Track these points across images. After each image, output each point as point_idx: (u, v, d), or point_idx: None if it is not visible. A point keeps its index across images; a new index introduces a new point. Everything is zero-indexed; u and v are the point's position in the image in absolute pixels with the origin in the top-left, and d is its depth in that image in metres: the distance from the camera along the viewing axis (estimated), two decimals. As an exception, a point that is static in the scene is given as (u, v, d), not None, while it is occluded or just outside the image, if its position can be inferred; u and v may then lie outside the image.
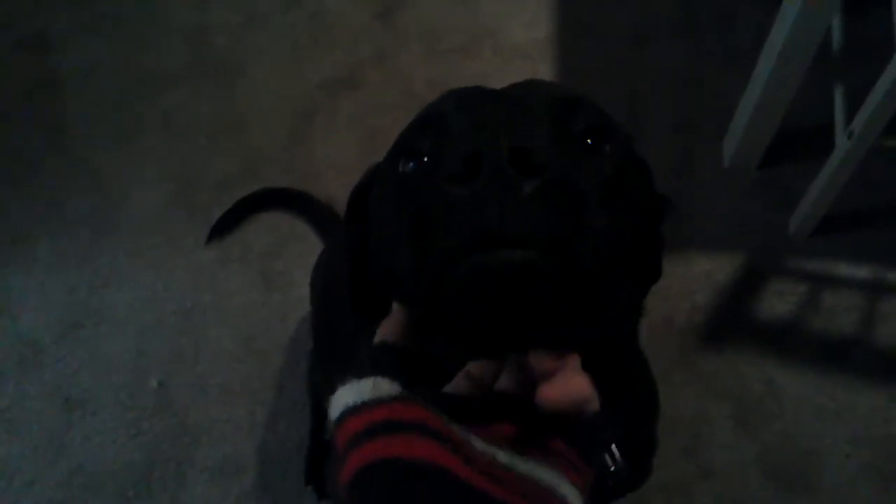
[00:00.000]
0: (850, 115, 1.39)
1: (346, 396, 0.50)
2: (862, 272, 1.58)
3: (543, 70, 1.84)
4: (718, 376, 1.48)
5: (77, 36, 2.01)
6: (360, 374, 0.51)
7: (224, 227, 1.53)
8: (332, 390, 0.51)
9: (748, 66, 1.53)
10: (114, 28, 2.00)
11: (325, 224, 1.51)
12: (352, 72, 1.88)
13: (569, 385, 0.51)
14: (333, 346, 1.10)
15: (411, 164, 0.55)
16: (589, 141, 0.54)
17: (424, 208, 0.49)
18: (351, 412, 0.49)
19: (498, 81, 1.80)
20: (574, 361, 0.51)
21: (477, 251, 0.46)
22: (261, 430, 1.47)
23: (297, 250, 1.61)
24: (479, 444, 0.48)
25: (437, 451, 0.46)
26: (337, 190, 1.67)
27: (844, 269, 1.58)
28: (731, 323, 1.54)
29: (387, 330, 0.56)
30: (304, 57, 1.91)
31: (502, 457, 0.49)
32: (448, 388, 0.54)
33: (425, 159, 0.55)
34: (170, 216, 1.71)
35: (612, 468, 0.68)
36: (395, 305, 0.57)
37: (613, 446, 0.69)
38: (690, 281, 1.57)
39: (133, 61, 1.95)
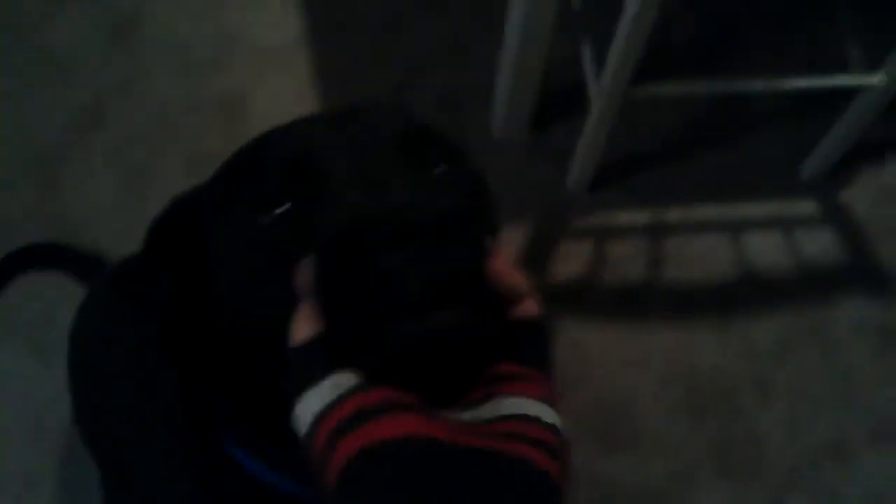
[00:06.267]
0: (599, 71, 1.47)
1: (310, 406, 0.51)
2: (641, 218, 1.69)
3: (301, 71, 1.84)
4: (527, 348, 1.54)
5: None
6: (311, 381, 0.52)
7: None
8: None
9: (502, 33, 1.58)
10: None
11: (93, 276, 1.43)
12: (97, 106, 1.80)
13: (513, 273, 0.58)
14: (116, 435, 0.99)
15: (275, 212, 0.57)
16: (440, 170, 0.61)
17: (348, 275, 0.51)
18: (321, 418, 0.50)
19: (258, 90, 1.77)
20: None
21: (416, 315, 0.49)
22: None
23: (71, 313, 1.53)
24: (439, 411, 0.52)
25: (417, 423, 0.48)
26: (106, 236, 1.60)
27: (625, 217, 1.69)
28: (529, 292, 1.60)
29: (305, 328, 0.55)
30: (40, 99, 1.82)
31: (466, 415, 0.53)
32: None
33: (287, 207, 0.57)
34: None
35: None
36: (305, 305, 0.58)
37: None
38: (484, 260, 1.62)
39: None
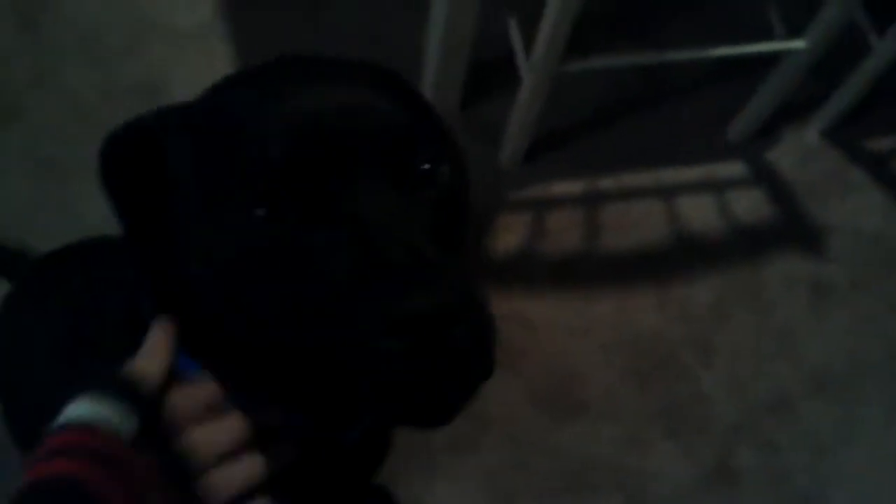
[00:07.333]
0: (529, 46, 1.46)
1: (80, 409, 0.53)
2: (577, 188, 1.70)
3: (221, 51, 1.79)
4: (472, 323, 1.54)
5: None
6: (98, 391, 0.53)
7: None
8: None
9: (428, 11, 1.57)
10: None
11: (19, 272, 1.36)
12: (8, 100, 1.72)
13: None
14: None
15: (265, 209, 0.53)
16: (427, 167, 0.57)
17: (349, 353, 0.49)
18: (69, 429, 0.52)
19: (176, 74, 1.70)
20: None
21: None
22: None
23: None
24: None
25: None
26: (25, 232, 1.52)
27: (560, 188, 1.70)
28: (472, 268, 1.60)
29: (151, 368, 0.56)
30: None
31: None
32: None
33: (279, 203, 0.53)
34: None
35: None
36: (160, 337, 0.59)
37: None
38: (423, 241, 1.61)
39: None
